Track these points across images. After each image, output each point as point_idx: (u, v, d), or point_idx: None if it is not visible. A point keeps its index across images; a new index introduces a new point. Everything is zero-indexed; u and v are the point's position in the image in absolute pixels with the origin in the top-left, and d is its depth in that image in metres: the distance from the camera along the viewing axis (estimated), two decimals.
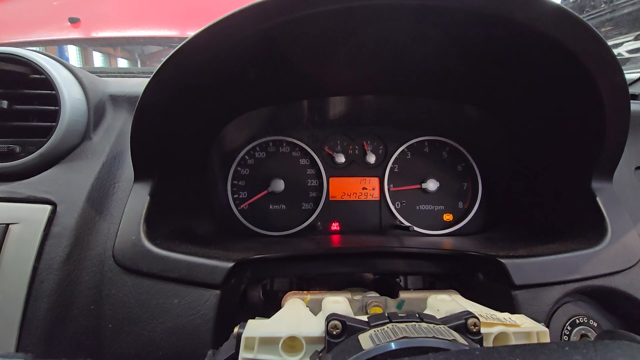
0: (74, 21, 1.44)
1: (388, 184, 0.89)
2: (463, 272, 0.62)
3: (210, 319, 0.48)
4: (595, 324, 0.54)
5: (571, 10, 0.45)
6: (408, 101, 0.84)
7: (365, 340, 0.31)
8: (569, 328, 0.53)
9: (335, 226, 0.88)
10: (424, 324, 0.33)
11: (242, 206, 0.87)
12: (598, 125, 0.54)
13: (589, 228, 0.58)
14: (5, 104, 0.59)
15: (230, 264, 0.51)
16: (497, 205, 0.86)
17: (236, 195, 0.87)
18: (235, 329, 0.37)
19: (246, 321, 0.39)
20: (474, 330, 0.35)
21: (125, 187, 0.59)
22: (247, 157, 0.89)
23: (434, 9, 0.47)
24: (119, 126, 0.67)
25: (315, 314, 0.44)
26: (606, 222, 0.56)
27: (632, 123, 0.54)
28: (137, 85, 0.72)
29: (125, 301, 0.50)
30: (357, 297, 0.54)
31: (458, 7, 0.46)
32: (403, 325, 0.32)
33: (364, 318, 0.35)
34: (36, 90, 0.61)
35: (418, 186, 0.88)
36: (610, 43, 0.47)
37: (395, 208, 0.88)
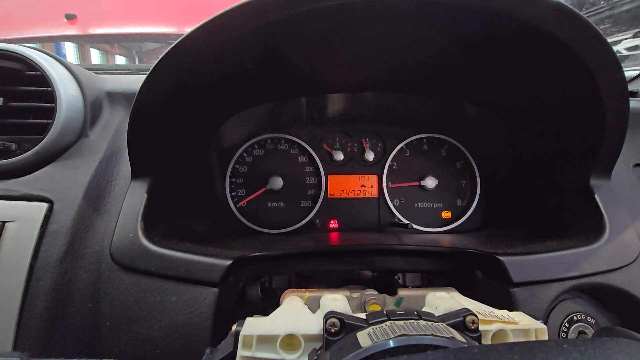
0: (70, 17, 1.43)
1: (387, 182, 0.89)
2: (461, 269, 0.62)
3: (208, 317, 0.48)
4: (593, 321, 0.54)
5: (571, 7, 0.45)
6: (407, 98, 0.84)
7: (364, 338, 0.31)
8: (566, 325, 0.53)
9: (333, 224, 0.88)
10: (422, 322, 0.33)
11: (240, 204, 0.87)
12: (597, 123, 0.54)
13: (587, 225, 0.58)
14: (0, 101, 0.59)
15: (229, 262, 0.51)
16: (496, 202, 0.86)
17: (234, 193, 0.87)
18: (233, 327, 0.37)
19: (244, 319, 0.39)
20: (473, 327, 0.35)
21: (122, 184, 0.59)
22: (245, 154, 0.88)
23: (433, 6, 0.47)
24: (116, 123, 0.66)
25: (314, 312, 0.44)
26: (604, 219, 0.57)
27: (631, 120, 0.54)
28: (134, 82, 0.71)
29: (123, 299, 0.50)
30: (356, 294, 0.54)
31: (458, 4, 0.46)
32: (401, 322, 0.32)
33: (362, 316, 0.35)
34: (32, 87, 0.60)
35: (417, 183, 0.88)
36: (609, 40, 0.47)
37: (394, 205, 0.88)
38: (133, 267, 0.51)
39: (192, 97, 0.60)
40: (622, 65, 0.49)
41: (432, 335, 0.30)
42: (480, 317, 0.37)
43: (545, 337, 0.38)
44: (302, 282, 0.68)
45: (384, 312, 0.35)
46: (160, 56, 0.48)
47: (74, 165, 0.60)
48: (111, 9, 1.58)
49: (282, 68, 0.65)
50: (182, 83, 0.52)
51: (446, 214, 0.89)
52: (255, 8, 0.45)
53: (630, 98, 0.53)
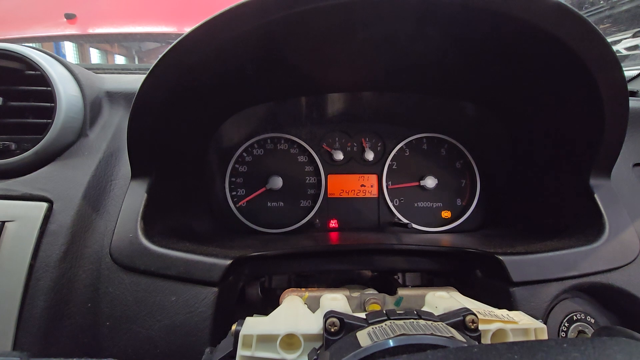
0: (70, 17, 1.43)
1: (386, 181, 0.89)
2: (461, 269, 0.62)
3: (208, 317, 0.48)
4: (592, 321, 0.54)
5: (571, 7, 0.45)
6: (407, 98, 0.84)
7: (363, 337, 0.31)
8: (566, 324, 0.53)
9: (333, 223, 0.88)
10: (422, 321, 0.33)
11: (240, 203, 0.87)
12: (597, 122, 0.54)
13: (587, 225, 0.58)
14: (0, 100, 0.58)
15: (228, 262, 0.51)
16: (496, 202, 0.86)
17: (234, 193, 0.87)
18: (233, 327, 0.37)
19: (244, 319, 0.39)
20: (472, 327, 0.35)
21: (122, 184, 0.59)
22: (245, 154, 0.88)
23: (433, 6, 0.47)
24: (115, 123, 0.66)
25: (314, 312, 0.44)
26: (604, 218, 0.57)
27: (631, 120, 0.54)
28: (134, 81, 0.71)
29: (123, 299, 0.50)
30: (355, 294, 0.54)
31: (458, 3, 0.45)
32: (401, 322, 0.32)
33: (362, 315, 0.35)
34: (32, 87, 0.60)
35: (416, 183, 0.88)
36: (608, 40, 0.47)
37: (394, 205, 0.88)
38: (133, 266, 0.51)
39: (192, 97, 0.60)
40: (622, 64, 0.49)
41: (432, 334, 0.30)
42: (479, 316, 0.37)
43: (545, 337, 0.38)
44: (302, 281, 0.68)
45: (384, 311, 0.35)
46: (160, 56, 0.48)
47: (74, 165, 0.59)
48: (111, 9, 1.58)
49: (282, 68, 0.65)
50: (182, 82, 0.52)
51: (446, 214, 0.89)
52: (255, 8, 0.45)
53: (629, 97, 0.53)
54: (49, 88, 0.59)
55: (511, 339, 0.38)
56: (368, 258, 0.63)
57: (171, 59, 0.48)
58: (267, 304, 0.62)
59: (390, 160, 0.89)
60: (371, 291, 0.55)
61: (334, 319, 0.33)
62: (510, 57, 0.58)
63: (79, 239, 0.53)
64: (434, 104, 0.84)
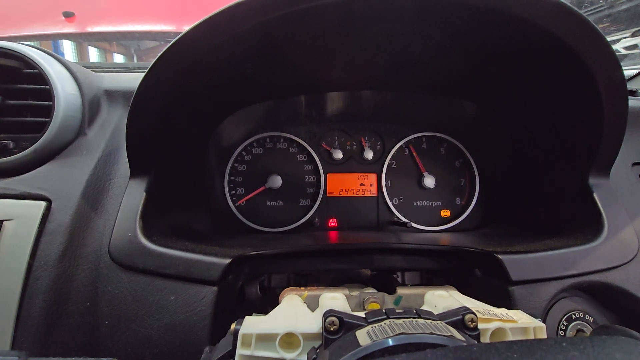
0: (68, 15, 1.43)
1: (386, 180, 0.89)
2: (460, 268, 0.62)
3: (207, 316, 0.48)
4: (591, 319, 0.54)
5: (571, 6, 0.45)
6: (406, 97, 0.84)
7: (363, 336, 0.31)
8: (565, 323, 0.53)
9: (332, 222, 0.88)
10: (421, 320, 0.33)
11: (239, 202, 0.87)
12: (596, 121, 0.54)
13: (586, 224, 0.59)
14: None
15: (228, 261, 0.51)
16: (495, 201, 0.86)
17: (233, 192, 0.87)
18: (233, 326, 0.37)
19: (243, 317, 0.39)
20: (471, 326, 0.35)
21: (121, 183, 0.59)
22: (244, 153, 0.88)
23: (433, 4, 0.47)
24: (114, 122, 0.66)
25: (313, 311, 0.44)
26: (603, 218, 0.57)
27: (630, 119, 0.54)
28: (133, 80, 0.71)
29: (122, 298, 0.50)
30: (355, 293, 0.54)
31: (458, 2, 0.45)
32: (400, 321, 0.32)
33: (362, 314, 0.35)
34: (30, 85, 0.60)
35: (416, 181, 0.88)
36: (608, 39, 0.47)
37: (393, 204, 0.88)
38: (132, 265, 0.51)
39: (191, 95, 0.60)
40: (621, 64, 0.49)
41: (431, 333, 0.30)
42: (479, 315, 0.37)
43: (544, 336, 0.38)
44: (301, 280, 0.68)
45: (383, 310, 0.35)
46: (159, 54, 0.48)
47: (72, 164, 0.59)
48: (109, 7, 1.58)
49: (281, 66, 0.65)
50: (181, 81, 0.52)
51: (445, 213, 0.89)
52: (254, 6, 0.45)
53: (629, 97, 0.53)
54: (47, 86, 0.59)
55: (510, 337, 0.38)
56: (367, 257, 0.63)
57: (170, 58, 0.48)
58: (267, 303, 0.62)
59: (390, 159, 0.89)
60: (370, 290, 0.55)
61: (334, 318, 0.33)
62: (509, 56, 0.58)
63: (77, 238, 0.53)
64: (433, 103, 0.84)
